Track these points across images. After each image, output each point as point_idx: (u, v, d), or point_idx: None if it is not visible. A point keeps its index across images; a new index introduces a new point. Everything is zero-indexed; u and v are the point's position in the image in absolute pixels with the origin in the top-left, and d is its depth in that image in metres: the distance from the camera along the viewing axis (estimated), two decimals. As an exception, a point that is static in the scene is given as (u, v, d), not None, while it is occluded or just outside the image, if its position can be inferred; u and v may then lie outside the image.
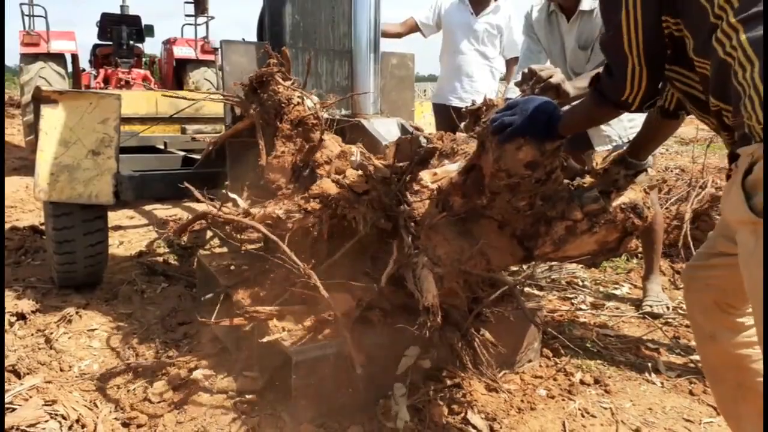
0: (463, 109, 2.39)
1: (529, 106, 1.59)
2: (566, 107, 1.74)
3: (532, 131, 1.58)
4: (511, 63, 4.37)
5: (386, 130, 2.53)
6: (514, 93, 2.53)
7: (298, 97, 2.48)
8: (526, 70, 1.86)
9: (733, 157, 1.17)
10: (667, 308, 2.89)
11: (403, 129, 2.55)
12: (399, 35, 4.40)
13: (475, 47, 4.25)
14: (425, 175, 2.00)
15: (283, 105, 2.50)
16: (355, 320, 1.92)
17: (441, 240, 1.82)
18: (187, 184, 2.26)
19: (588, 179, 1.81)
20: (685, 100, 1.44)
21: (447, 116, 4.06)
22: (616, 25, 1.32)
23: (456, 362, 1.96)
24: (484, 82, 4.26)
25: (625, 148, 1.86)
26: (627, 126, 2.84)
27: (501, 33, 4.26)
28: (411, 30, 4.39)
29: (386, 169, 1.95)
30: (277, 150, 2.54)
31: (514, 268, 2.71)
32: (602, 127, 2.82)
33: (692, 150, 5.89)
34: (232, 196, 2.33)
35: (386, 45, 4.06)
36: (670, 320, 2.81)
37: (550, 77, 1.81)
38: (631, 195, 1.76)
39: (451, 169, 2.00)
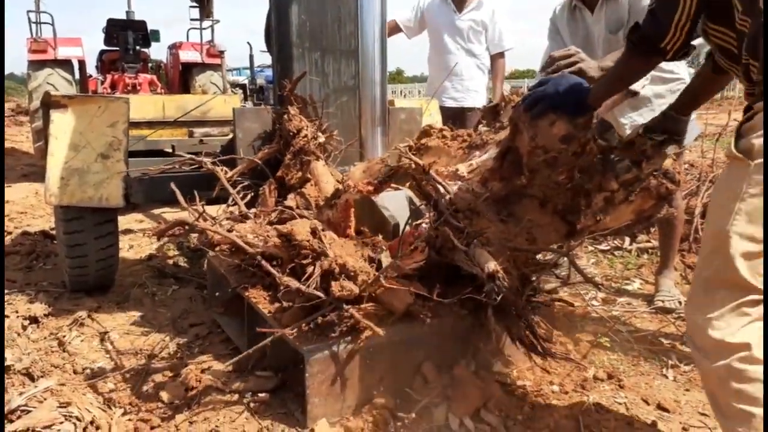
0: (481, 107, 2.43)
1: (560, 80, 1.69)
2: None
3: (564, 102, 1.66)
4: (496, 58, 4.35)
5: (394, 205, 2.38)
6: None
7: (307, 129, 2.53)
8: (548, 58, 2.00)
9: (746, 110, 1.29)
10: (679, 303, 2.86)
11: (411, 202, 2.41)
12: None
13: (462, 45, 4.23)
14: (462, 167, 2.06)
15: (291, 135, 2.54)
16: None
17: (486, 223, 1.87)
18: (173, 188, 2.29)
19: (617, 153, 1.86)
20: (715, 50, 1.52)
21: (446, 118, 4.06)
22: None
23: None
24: (474, 80, 4.25)
25: (647, 121, 1.96)
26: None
27: (485, 29, 4.24)
28: (392, 32, 4.35)
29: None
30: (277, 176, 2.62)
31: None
32: (632, 115, 2.83)
33: (701, 145, 5.83)
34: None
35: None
36: (682, 315, 2.79)
37: (571, 57, 1.98)
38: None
39: (485, 157, 2.06)
